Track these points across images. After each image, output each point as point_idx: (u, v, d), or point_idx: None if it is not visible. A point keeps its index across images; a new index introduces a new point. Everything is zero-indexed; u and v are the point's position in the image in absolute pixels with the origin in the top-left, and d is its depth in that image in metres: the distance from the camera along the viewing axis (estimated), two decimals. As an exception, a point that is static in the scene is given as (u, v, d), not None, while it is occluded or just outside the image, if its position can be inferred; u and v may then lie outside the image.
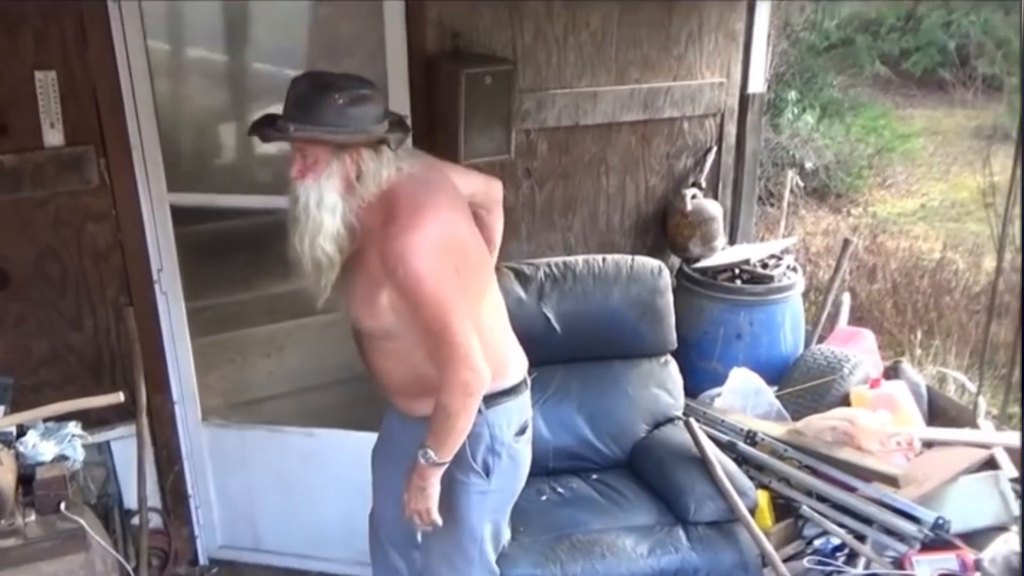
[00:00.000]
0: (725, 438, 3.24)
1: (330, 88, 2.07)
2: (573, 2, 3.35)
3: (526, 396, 2.43)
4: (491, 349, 2.25)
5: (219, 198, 3.09)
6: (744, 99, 3.84)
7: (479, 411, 2.25)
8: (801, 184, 7.81)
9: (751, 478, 3.04)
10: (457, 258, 2.18)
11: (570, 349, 3.19)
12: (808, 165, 8.08)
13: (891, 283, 5.77)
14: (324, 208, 2.10)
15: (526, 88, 3.37)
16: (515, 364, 2.40)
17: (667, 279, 3.29)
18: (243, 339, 3.41)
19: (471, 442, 2.29)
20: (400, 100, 3.21)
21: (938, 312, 5.25)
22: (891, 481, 2.93)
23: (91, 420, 2.84)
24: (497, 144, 3.24)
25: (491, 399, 2.29)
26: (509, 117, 3.23)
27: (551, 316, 3.14)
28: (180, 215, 3.06)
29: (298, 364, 3.45)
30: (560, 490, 3.05)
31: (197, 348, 3.19)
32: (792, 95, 8.78)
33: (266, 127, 2.12)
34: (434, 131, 3.26)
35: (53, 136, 2.81)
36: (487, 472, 2.36)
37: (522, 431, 2.41)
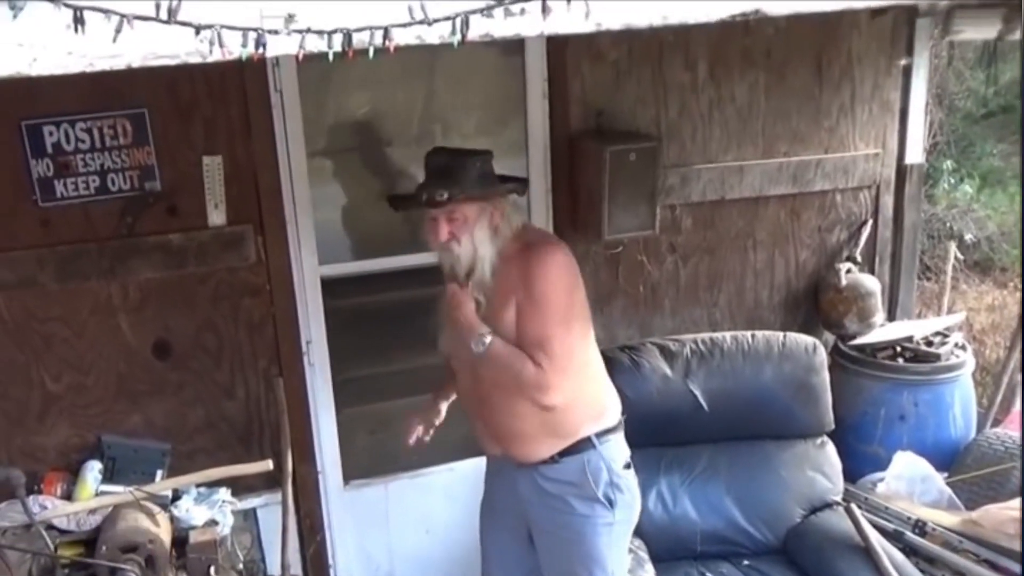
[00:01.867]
0: (890, 527, 3.01)
1: (465, 156, 2.35)
2: (719, 75, 3.32)
3: (622, 434, 2.52)
4: (599, 383, 2.49)
5: (367, 263, 3.23)
6: (901, 170, 3.69)
7: (594, 446, 2.39)
8: (961, 257, 7.40)
9: (921, 571, 2.81)
10: (576, 285, 2.39)
11: (718, 428, 3.06)
12: (968, 237, 7.65)
13: (1067, 363, 5.31)
14: (479, 259, 2.31)
15: (670, 163, 3.34)
16: (614, 404, 2.52)
17: (823, 356, 3.14)
18: (385, 411, 3.44)
19: (593, 477, 2.40)
20: (539, 177, 3.26)
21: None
22: (1085, 582, 2.64)
23: (239, 487, 2.94)
24: (641, 220, 3.21)
25: (602, 435, 2.42)
26: (653, 193, 3.20)
27: (698, 393, 3.03)
28: (329, 288, 3.15)
29: (441, 437, 3.45)
30: (709, 575, 2.90)
31: (340, 418, 3.25)
32: (948, 164, 8.40)
33: (406, 199, 2.40)
34: (576, 208, 3.27)
35: (216, 216, 2.96)
36: (611, 504, 2.43)
37: (627, 466, 2.51)
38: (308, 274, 3.10)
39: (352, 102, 3.25)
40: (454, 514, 3.33)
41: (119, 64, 1.28)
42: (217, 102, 2.87)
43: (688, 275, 3.50)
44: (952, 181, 8.34)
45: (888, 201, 3.70)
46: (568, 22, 1.42)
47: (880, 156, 3.63)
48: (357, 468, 3.35)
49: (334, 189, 3.32)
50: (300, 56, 1.29)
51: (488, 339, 2.30)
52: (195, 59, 1.27)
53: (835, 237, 3.66)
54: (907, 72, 3.56)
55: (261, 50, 1.26)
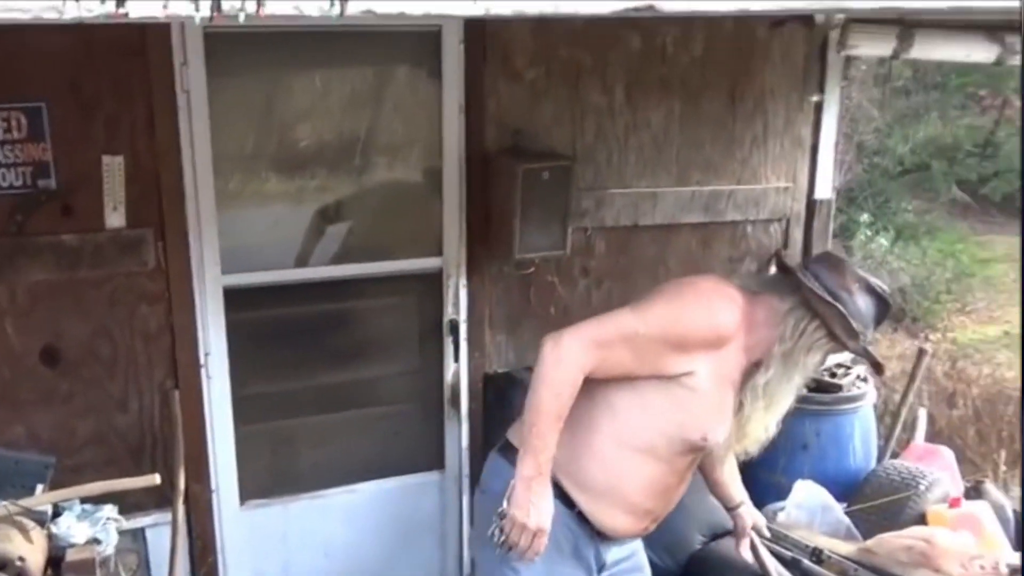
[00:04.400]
0: (788, 555, 2.99)
1: None
2: (636, 100, 3.36)
3: None
4: None
5: (274, 274, 3.15)
6: (811, 205, 3.77)
7: None
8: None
9: (817, 599, 2.80)
10: None
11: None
12: (883, 287, 7.87)
13: (973, 410, 5.46)
14: None
15: (585, 186, 3.36)
16: None
17: (727, 382, 3.14)
18: (289, 429, 3.34)
19: None
20: (452, 195, 3.25)
21: (1027, 444, 4.91)
22: (975, 609, 2.66)
23: (127, 504, 2.78)
24: (553, 240, 3.21)
25: None
26: (566, 214, 3.20)
27: (604, 415, 3.00)
28: (234, 299, 3.06)
29: (345, 458, 3.36)
30: (608, 601, 2.84)
31: (240, 435, 3.14)
32: (865, 217, 8.67)
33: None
34: (489, 226, 3.25)
35: (115, 218, 2.86)
36: None
37: None
38: (210, 283, 3.01)
39: (274, 115, 3.20)
40: (353, 537, 3.27)
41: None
42: (121, 100, 2.78)
43: (600, 299, 3.50)
44: (868, 234, 8.61)
45: (798, 235, 3.78)
46: (457, 4, 1.40)
47: (791, 190, 3.71)
48: (256, 487, 3.23)
49: (249, 199, 3.25)
50: (164, 16, 1.22)
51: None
52: (51, 15, 1.19)
53: (745, 268, 3.71)
54: (818, 109, 3.65)
55: (122, 9, 1.19)
